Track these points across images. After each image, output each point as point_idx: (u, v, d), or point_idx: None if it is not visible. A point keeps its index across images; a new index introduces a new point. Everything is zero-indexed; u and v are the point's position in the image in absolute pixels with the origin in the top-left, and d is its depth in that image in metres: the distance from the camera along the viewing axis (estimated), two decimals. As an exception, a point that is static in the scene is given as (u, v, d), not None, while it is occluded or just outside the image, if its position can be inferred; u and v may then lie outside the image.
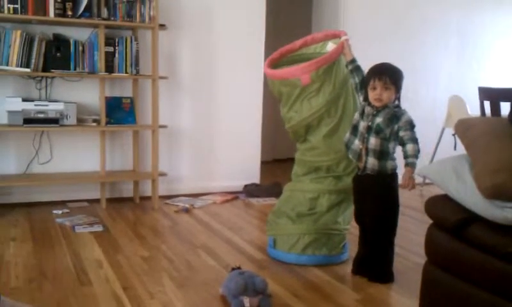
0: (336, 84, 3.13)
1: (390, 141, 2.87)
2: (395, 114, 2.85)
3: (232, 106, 5.10)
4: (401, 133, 2.83)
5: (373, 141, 2.88)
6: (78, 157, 4.55)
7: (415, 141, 2.82)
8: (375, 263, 2.98)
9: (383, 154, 2.88)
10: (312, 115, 3.17)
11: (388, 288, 2.91)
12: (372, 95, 2.87)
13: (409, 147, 2.81)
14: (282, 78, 3.20)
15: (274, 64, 3.37)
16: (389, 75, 2.85)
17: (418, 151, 2.82)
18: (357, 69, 3.07)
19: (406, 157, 2.84)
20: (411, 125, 2.83)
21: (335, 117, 3.18)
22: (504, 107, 4.59)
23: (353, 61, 3.09)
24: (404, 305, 2.70)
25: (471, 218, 2.10)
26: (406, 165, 2.83)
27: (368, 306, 2.67)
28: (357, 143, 2.95)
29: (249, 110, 5.19)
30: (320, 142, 3.22)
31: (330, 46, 3.27)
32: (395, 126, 2.84)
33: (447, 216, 2.20)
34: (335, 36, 3.25)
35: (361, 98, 3.02)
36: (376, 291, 2.86)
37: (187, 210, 4.40)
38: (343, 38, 3.14)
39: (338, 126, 3.19)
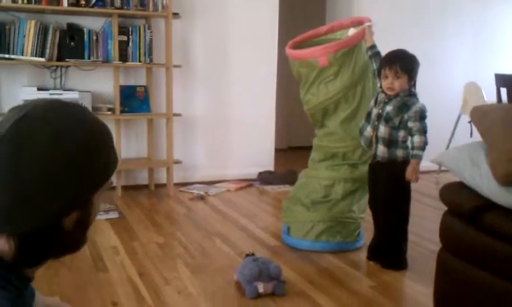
0: (356, 70, 3.12)
1: (399, 129, 2.85)
2: (405, 102, 2.83)
3: (245, 94, 5.10)
4: (410, 124, 2.81)
5: (382, 129, 2.87)
6: (93, 145, 4.57)
7: (422, 132, 2.80)
8: (388, 250, 2.98)
9: (392, 142, 2.87)
10: (329, 99, 3.17)
11: (403, 275, 2.91)
12: (384, 84, 2.86)
13: (416, 139, 2.80)
14: (300, 58, 3.21)
15: (298, 47, 3.36)
16: (400, 63, 2.82)
17: (425, 143, 2.81)
18: (376, 55, 3.06)
19: (412, 148, 2.83)
20: (420, 116, 2.81)
21: (352, 103, 3.17)
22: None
23: (373, 47, 3.08)
24: (419, 292, 2.70)
25: (486, 205, 2.09)
26: (412, 157, 2.82)
27: (383, 292, 2.68)
28: (369, 130, 2.95)
29: (263, 98, 5.18)
30: (337, 127, 3.22)
31: (352, 31, 3.26)
32: (404, 115, 2.82)
33: (462, 203, 2.19)
34: (361, 22, 3.23)
35: (379, 85, 3.00)
36: (390, 278, 2.86)
37: (201, 198, 4.42)
38: (366, 24, 3.14)
39: (355, 113, 3.18)
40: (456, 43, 5.97)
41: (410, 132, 2.83)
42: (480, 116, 2.37)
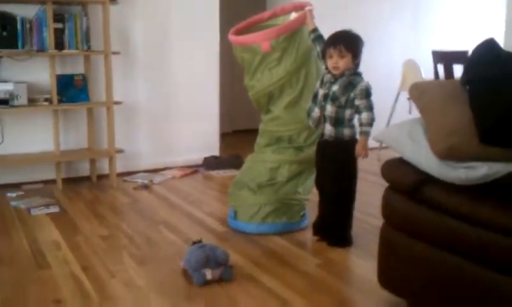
0: (299, 54, 3.13)
1: (346, 108, 2.89)
2: (351, 81, 2.87)
3: (188, 79, 5.03)
4: (356, 102, 2.85)
5: (329, 108, 2.90)
6: (31, 137, 4.42)
7: (369, 109, 2.85)
8: (333, 228, 3.02)
9: (339, 121, 2.90)
10: (273, 84, 3.17)
11: (348, 252, 2.95)
12: (329, 63, 2.90)
13: (364, 115, 2.84)
14: (242, 44, 3.21)
15: (241, 33, 3.34)
16: (344, 42, 2.87)
17: (373, 119, 2.86)
18: (318, 38, 3.09)
19: (360, 125, 2.88)
20: (366, 93, 2.85)
21: (296, 88, 3.19)
22: (457, 70, 4.68)
23: (315, 30, 3.11)
24: (363, 267, 2.75)
25: (425, 179, 2.13)
26: (360, 133, 2.86)
27: (329, 270, 2.71)
28: (316, 111, 2.98)
29: (206, 83, 5.13)
30: (282, 112, 3.23)
31: (293, 16, 3.27)
32: (350, 94, 2.86)
33: (402, 178, 2.23)
34: (303, 7, 3.23)
35: (323, 67, 3.02)
36: (335, 255, 2.89)
37: (146, 187, 4.34)
38: (306, 8, 3.15)
39: (299, 97, 3.20)
40: (395, 23, 6.08)
41: (357, 110, 2.87)
42: (418, 92, 2.41)
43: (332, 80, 2.92)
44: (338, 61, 2.87)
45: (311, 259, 2.85)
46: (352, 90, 2.86)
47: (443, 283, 2.03)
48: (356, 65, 2.93)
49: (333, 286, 2.56)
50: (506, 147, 1.98)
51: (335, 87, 2.89)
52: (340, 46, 2.86)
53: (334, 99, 2.89)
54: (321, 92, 2.96)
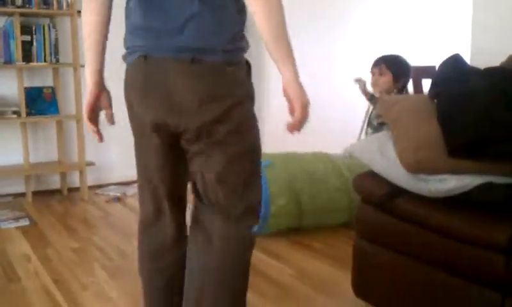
0: None
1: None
2: None
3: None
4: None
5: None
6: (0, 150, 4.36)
7: None
8: None
9: None
10: None
11: (322, 262, 2.99)
12: (371, 81, 2.97)
13: None
14: None
15: None
16: (385, 62, 2.96)
17: None
18: (372, 98, 3.23)
19: None
20: None
21: None
22: (426, 84, 4.79)
23: (371, 98, 3.26)
24: (338, 277, 2.78)
25: (396, 192, 2.18)
26: None
27: (302, 279, 2.74)
28: None
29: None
30: None
31: None
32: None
33: (374, 191, 2.28)
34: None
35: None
36: (308, 265, 2.93)
37: (118, 199, 4.31)
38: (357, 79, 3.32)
39: None
40: (361, 38, 6.17)
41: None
42: (387, 106, 2.47)
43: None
44: (378, 79, 2.94)
45: (284, 269, 2.88)
46: None
47: (414, 291, 2.08)
48: (400, 90, 2.97)
49: (306, 295, 2.59)
50: (474, 158, 2.04)
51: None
52: (381, 64, 2.95)
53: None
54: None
